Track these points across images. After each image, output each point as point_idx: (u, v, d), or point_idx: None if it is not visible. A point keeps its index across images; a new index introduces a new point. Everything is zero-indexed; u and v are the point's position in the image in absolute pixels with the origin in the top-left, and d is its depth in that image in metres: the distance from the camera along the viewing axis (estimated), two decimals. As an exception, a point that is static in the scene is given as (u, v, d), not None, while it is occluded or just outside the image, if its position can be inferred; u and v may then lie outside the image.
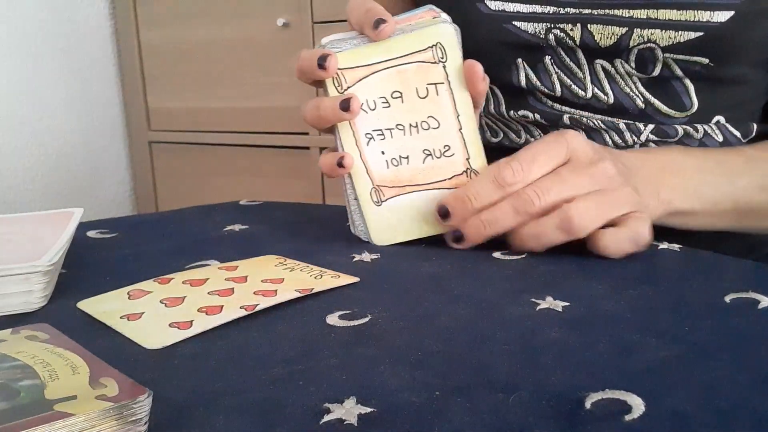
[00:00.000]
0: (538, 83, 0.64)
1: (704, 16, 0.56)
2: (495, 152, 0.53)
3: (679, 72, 0.60)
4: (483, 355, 0.34)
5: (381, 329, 0.38)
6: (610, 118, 0.63)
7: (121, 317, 0.40)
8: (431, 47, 0.50)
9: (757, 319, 0.38)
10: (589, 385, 0.31)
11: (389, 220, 0.52)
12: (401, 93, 0.51)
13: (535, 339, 0.36)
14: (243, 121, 1.92)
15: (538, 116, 0.65)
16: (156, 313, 0.40)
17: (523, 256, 0.49)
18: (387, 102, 0.51)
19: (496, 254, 0.50)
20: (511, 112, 0.67)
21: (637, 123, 0.62)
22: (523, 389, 0.30)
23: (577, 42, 0.61)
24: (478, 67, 0.50)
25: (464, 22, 0.63)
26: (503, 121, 0.69)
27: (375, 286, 0.45)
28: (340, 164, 0.51)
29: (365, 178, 0.52)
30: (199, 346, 0.36)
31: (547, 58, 0.63)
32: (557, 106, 0.65)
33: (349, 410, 0.29)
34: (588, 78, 0.63)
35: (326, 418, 0.29)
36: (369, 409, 0.29)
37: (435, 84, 0.51)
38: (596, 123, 0.63)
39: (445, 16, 0.52)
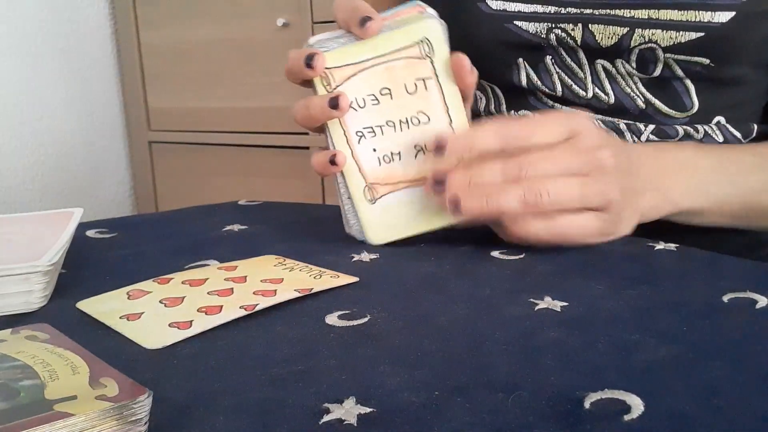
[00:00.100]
0: (539, 83, 0.64)
1: (705, 16, 0.56)
2: None
3: (679, 72, 0.60)
4: (482, 355, 0.34)
5: (380, 329, 0.38)
6: (610, 118, 0.63)
7: (120, 317, 0.40)
8: (418, 43, 0.50)
9: (755, 319, 0.38)
10: (588, 385, 0.31)
11: (384, 218, 0.52)
12: (390, 90, 0.51)
13: (534, 339, 0.36)
14: (243, 121, 1.92)
15: None
16: (156, 313, 0.41)
17: (522, 255, 0.50)
18: (376, 99, 0.51)
19: (495, 254, 0.50)
20: (512, 111, 0.67)
21: (637, 123, 0.62)
22: (522, 389, 0.30)
23: (578, 42, 0.61)
24: (465, 60, 0.50)
25: (465, 22, 0.63)
26: None
27: (374, 286, 0.45)
28: (333, 162, 0.51)
29: (358, 177, 0.52)
30: (199, 346, 0.36)
31: (548, 58, 0.63)
32: (558, 106, 0.65)
33: (348, 410, 0.29)
34: (589, 78, 0.63)
35: (326, 418, 0.29)
36: (368, 409, 0.29)
37: (423, 79, 0.51)
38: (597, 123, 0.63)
39: (430, 11, 0.52)
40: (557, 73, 0.63)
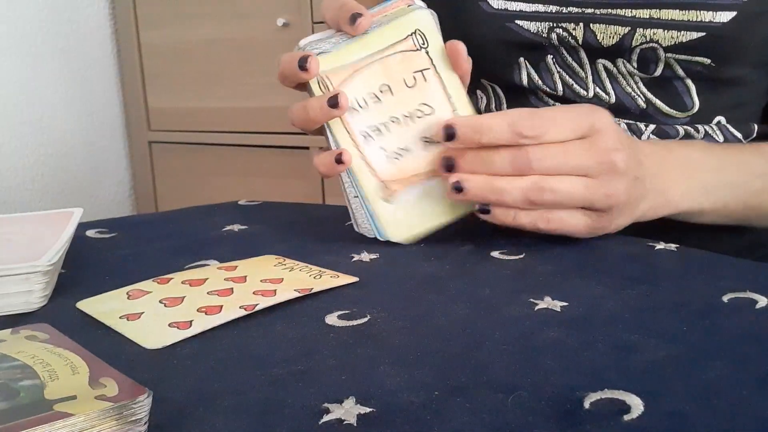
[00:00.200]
0: (540, 82, 0.64)
1: (706, 16, 0.56)
2: None
3: (680, 72, 0.60)
4: (482, 355, 0.34)
5: (380, 329, 0.38)
6: None
7: (120, 317, 0.40)
8: (410, 35, 0.50)
9: (755, 319, 0.38)
10: (587, 385, 0.31)
11: (403, 215, 0.52)
12: (389, 86, 0.51)
13: (534, 339, 0.36)
14: (243, 121, 1.92)
15: None
16: (155, 313, 0.41)
17: (522, 255, 0.50)
18: (377, 97, 0.51)
19: (495, 254, 0.50)
20: None
21: (638, 123, 0.62)
22: (522, 389, 0.30)
23: (580, 41, 0.61)
24: (460, 46, 0.50)
25: (466, 21, 0.63)
26: None
27: (374, 286, 0.45)
28: (339, 161, 0.50)
29: (370, 177, 0.51)
30: (199, 346, 0.36)
31: (549, 58, 0.63)
32: (559, 105, 0.65)
33: (348, 410, 0.29)
34: (590, 77, 0.63)
35: (325, 418, 0.29)
36: (368, 409, 0.29)
37: (421, 71, 0.51)
38: None
39: (419, 2, 0.51)
40: (558, 72, 0.63)
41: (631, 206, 0.50)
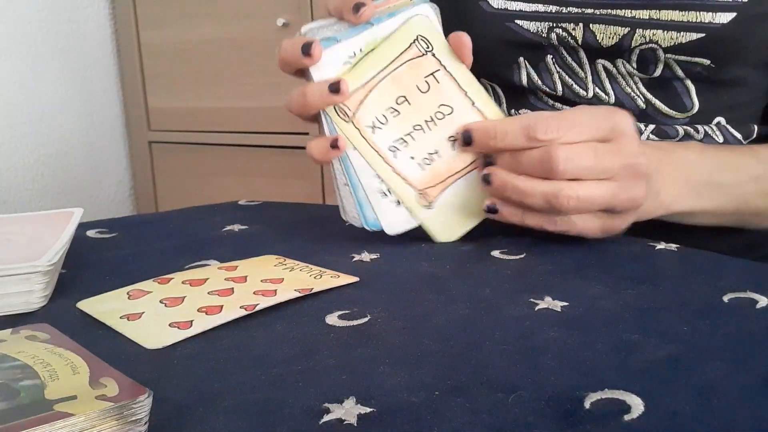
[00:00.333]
0: (540, 82, 0.64)
1: (706, 17, 0.56)
2: None
3: (680, 73, 0.60)
4: (482, 355, 0.34)
5: (380, 329, 0.38)
6: None
7: (120, 317, 0.40)
8: (413, 42, 0.50)
9: (756, 319, 0.38)
10: (588, 385, 0.31)
11: (446, 217, 0.52)
12: (405, 96, 0.51)
13: (534, 339, 0.36)
14: (243, 121, 1.92)
15: None
16: (156, 313, 0.41)
17: (522, 255, 0.50)
18: (395, 110, 0.51)
19: (495, 254, 0.50)
20: (512, 110, 0.67)
21: (637, 123, 0.62)
22: (522, 389, 0.30)
23: (579, 41, 0.61)
24: (465, 38, 0.50)
25: (466, 20, 0.63)
26: None
27: (374, 286, 0.45)
28: (335, 146, 0.50)
29: (407, 189, 0.51)
30: (199, 346, 0.36)
31: (549, 58, 0.63)
32: (558, 105, 0.65)
33: (348, 410, 0.29)
34: (589, 78, 0.63)
35: (326, 418, 0.29)
36: (368, 409, 0.29)
37: (432, 74, 0.51)
38: None
39: None
40: (558, 72, 0.63)
41: (644, 206, 0.50)
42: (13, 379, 0.29)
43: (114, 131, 2.12)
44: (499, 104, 0.68)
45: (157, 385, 0.31)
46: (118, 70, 2.11)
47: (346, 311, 0.40)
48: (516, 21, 0.62)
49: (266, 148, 1.89)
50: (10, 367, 0.30)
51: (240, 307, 0.40)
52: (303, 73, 0.52)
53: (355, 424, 0.28)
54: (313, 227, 0.60)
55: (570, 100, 0.64)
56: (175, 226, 0.63)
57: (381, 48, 0.50)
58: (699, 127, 0.62)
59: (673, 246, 0.51)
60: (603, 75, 0.62)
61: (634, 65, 0.60)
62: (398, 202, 0.52)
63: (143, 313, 0.41)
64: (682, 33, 0.57)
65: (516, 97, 0.67)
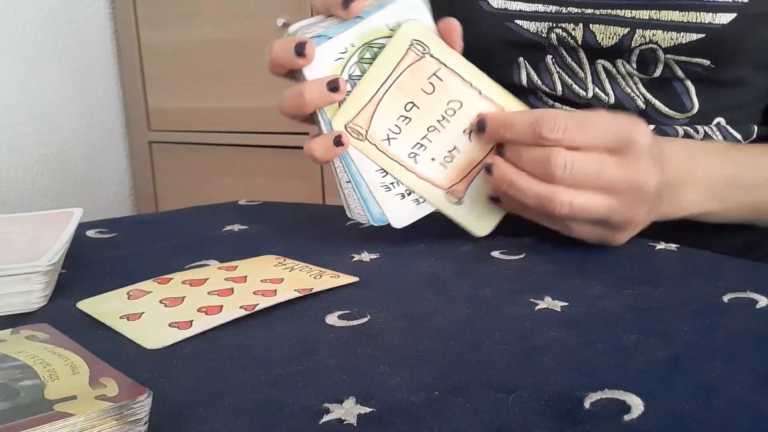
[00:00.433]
0: (539, 82, 0.64)
1: (706, 17, 0.56)
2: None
3: (680, 73, 0.60)
4: (482, 354, 0.34)
5: (380, 329, 0.38)
6: None
7: (120, 317, 0.40)
8: (409, 48, 0.50)
9: (755, 319, 0.38)
10: (588, 385, 0.31)
11: (478, 209, 0.52)
12: (413, 102, 0.51)
13: (534, 339, 0.36)
14: (243, 121, 1.92)
15: None
16: (156, 313, 0.41)
17: (522, 255, 0.50)
18: (406, 118, 0.51)
19: (495, 254, 0.50)
20: None
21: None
22: (522, 389, 0.30)
23: (579, 42, 0.61)
24: (453, 23, 0.50)
25: (466, 20, 0.63)
26: None
27: (374, 286, 0.45)
28: (339, 143, 0.50)
29: (435, 191, 0.52)
30: (199, 346, 0.36)
31: (549, 58, 0.63)
32: (558, 105, 0.65)
33: (348, 410, 0.29)
34: (589, 78, 0.63)
35: (326, 418, 0.29)
36: (368, 409, 0.29)
37: (434, 74, 0.51)
38: None
39: None
40: (557, 72, 0.63)
41: (644, 222, 0.50)
42: (13, 379, 0.29)
43: (114, 131, 2.12)
44: None
45: (157, 385, 0.31)
46: (118, 70, 2.11)
47: (346, 311, 0.40)
48: (516, 21, 0.62)
49: (266, 148, 1.89)
50: (10, 367, 0.30)
51: (240, 307, 0.40)
52: (294, 74, 0.51)
53: (355, 424, 0.28)
54: (313, 227, 0.60)
55: (570, 100, 0.64)
56: (175, 226, 0.63)
57: (379, 61, 0.50)
58: (699, 127, 0.62)
59: (673, 246, 0.51)
60: (603, 75, 0.62)
61: (634, 65, 0.60)
62: (403, 195, 0.52)
63: (143, 313, 0.41)
64: (682, 33, 0.57)
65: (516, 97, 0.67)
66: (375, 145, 0.50)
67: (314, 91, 0.49)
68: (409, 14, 0.50)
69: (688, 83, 0.60)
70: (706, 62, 0.58)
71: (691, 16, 0.57)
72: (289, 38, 0.50)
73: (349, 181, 0.51)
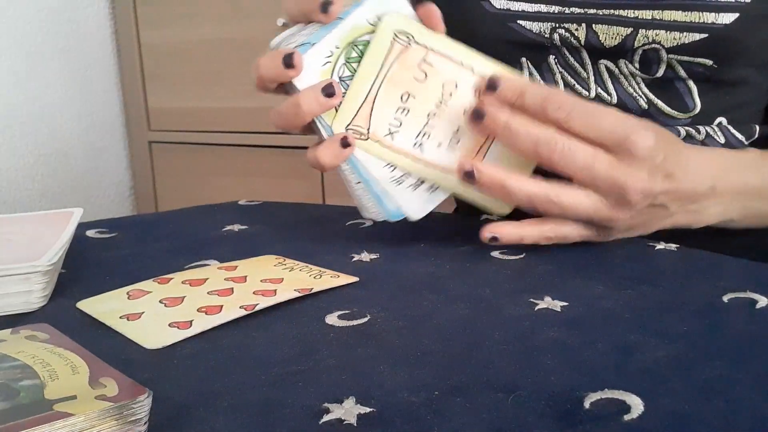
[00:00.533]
0: (542, 83, 0.64)
1: (709, 17, 0.56)
2: None
3: (682, 73, 0.60)
4: (482, 354, 0.34)
5: (380, 329, 0.38)
6: None
7: (120, 317, 0.40)
8: (393, 41, 0.50)
9: (755, 319, 0.38)
10: (587, 385, 0.31)
11: None
12: (408, 92, 0.51)
13: (534, 339, 0.36)
14: (243, 121, 1.92)
15: None
16: (156, 313, 0.41)
17: (522, 255, 0.50)
18: (404, 109, 0.51)
19: (495, 254, 0.50)
20: None
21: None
22: (522, 389, 0.30)
23: (582, 42, 0.61)
24: (432, 7, 0.50)
25: (469, 20, 0.63)
26: None
27: (374, 285, 0.45)
28: (346, 144, 0.49)
29: (447, 177, 0.51)
30: (199, 346, 0.36)
31: (551, 58, 0.63)
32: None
33: (348, 410, 0.29)
34: (592, 78, 0.63)
35: (326, 418, 0.29)
36: (368, 409, 0.29)
37: (423, 60, 0.51)
38: None
39: None
40: (560, 72, 0.63)
41: (643, 228, 0.51)
42: (13, 379, 0.29)
43: (114, 131, 2.12)
44: None
45: (157, 385, 0.31)
46: (118, 70, 2.11)
47: (346, 311, 0.40)
48: (518, 21, 0.62)
49: (266, 148, 1.89)
50: (10, 367, 0.30)
51: (240, 307, 0.40)
52: (283, 88, 0.51)
53: (355, 424, 0.28)
54: (313, 227, 0.60)
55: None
56: (175, 226, 0.63)
57: (366, 59, 0.50)
58: (700, 127, 0.62)
59: (673, 246, 0.51)
60: (605, 75, 0.62)
61: (637, 65, 0.60)
62: (416, 186, 0.52)
63: (143, 313, 0.41)
64: (684, 33, 0.57)
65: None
66: (379, 141, 0.50)
67: (310, 100, 0.49)
68: (387, 6, 0.50)
69: (691, 83, 0.60)
70: (709, 62, 0.58)
71: (694, 16, 0.57)
72: (274, 52, 0.49)
73: (360, 182, 0.51)
